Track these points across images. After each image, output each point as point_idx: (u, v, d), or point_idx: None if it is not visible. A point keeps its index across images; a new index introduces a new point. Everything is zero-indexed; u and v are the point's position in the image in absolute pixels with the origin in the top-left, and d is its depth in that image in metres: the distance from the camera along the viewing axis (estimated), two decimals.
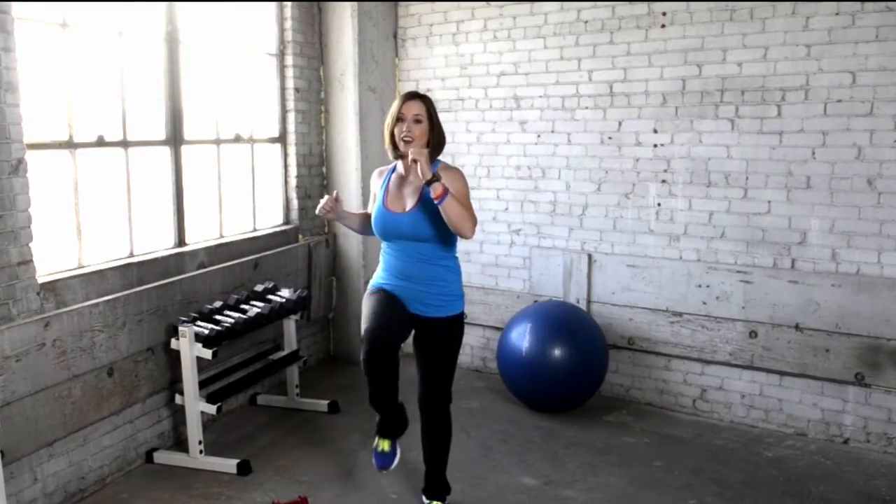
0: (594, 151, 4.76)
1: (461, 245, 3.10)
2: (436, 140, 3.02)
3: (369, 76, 5.28)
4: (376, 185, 3.15)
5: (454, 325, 3.08)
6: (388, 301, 3.00)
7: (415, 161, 2.82)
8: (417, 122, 2.95)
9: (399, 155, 3.03)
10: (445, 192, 2.80)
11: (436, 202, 2.82)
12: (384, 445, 3.09)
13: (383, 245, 3.12)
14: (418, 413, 3.19)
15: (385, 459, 3.11)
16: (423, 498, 3.33)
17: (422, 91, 5.37)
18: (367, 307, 3.00)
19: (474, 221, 2.91)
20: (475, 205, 5.09)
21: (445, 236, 2.99)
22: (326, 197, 3.09)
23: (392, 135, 3.00)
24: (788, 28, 4.09)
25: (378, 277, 3.13)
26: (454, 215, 2.83)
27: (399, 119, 2.96)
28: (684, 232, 4.51)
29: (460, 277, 3.13)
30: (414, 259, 3.01)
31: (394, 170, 3.12)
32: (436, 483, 3.29)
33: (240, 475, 3.71)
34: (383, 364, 2.90)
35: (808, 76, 4.07)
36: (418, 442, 3.28)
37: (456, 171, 3.01)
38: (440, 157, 3.10)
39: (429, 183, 2.80)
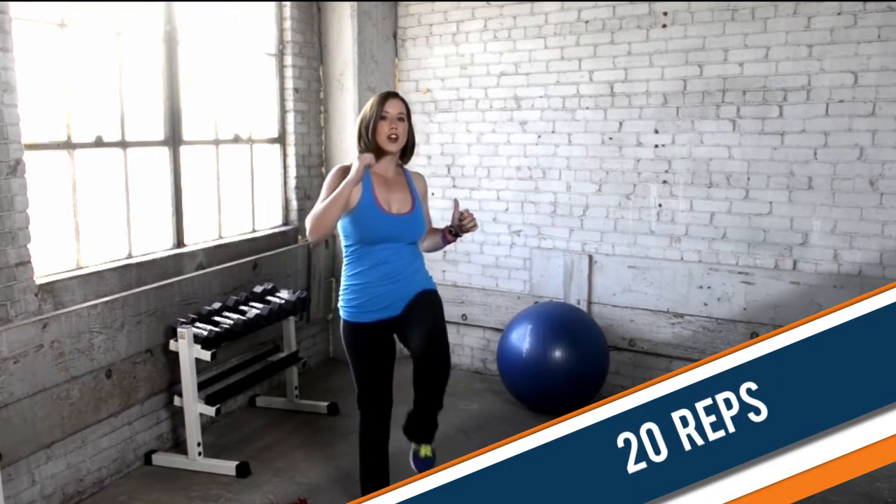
0: (595, 152, 4.74)
1: (460, 246, 3.10)
2: (411, 142, 3.01)
3: (369, 76, 5.27)
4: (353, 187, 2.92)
5: (434, 294, 3.02)
6: (379, 360, 2.98)
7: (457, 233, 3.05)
8: (401, 120, 2.91)
9: (382, 153, 2.91)
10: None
11: (445, 244, 3.10)
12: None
13: (363, 251, 2.90)
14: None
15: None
16: (413, 444, 2.98)
17: (422, 90, 5.42)
18: (357, 367, 2.98)
19: None
20: (475, 205, 5.19)
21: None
22: None
23: (372, 133, 2.88)
24: (790, 28, 4.08)
25: (354, 301, 2.93)
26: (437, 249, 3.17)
27: (382, 117, 2.88)
28: (685, 233, 4.50)
29: None
30: (402, 257, 2.93)
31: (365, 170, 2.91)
32: (430, 423, 2.93)
33: (239, 477, 3.69)
34: (381, 441, 3.06)
35: (809, 76, 4.06)
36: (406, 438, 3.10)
37: (423, 178, 3.15)
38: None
39: (455, 237, 3.05)
